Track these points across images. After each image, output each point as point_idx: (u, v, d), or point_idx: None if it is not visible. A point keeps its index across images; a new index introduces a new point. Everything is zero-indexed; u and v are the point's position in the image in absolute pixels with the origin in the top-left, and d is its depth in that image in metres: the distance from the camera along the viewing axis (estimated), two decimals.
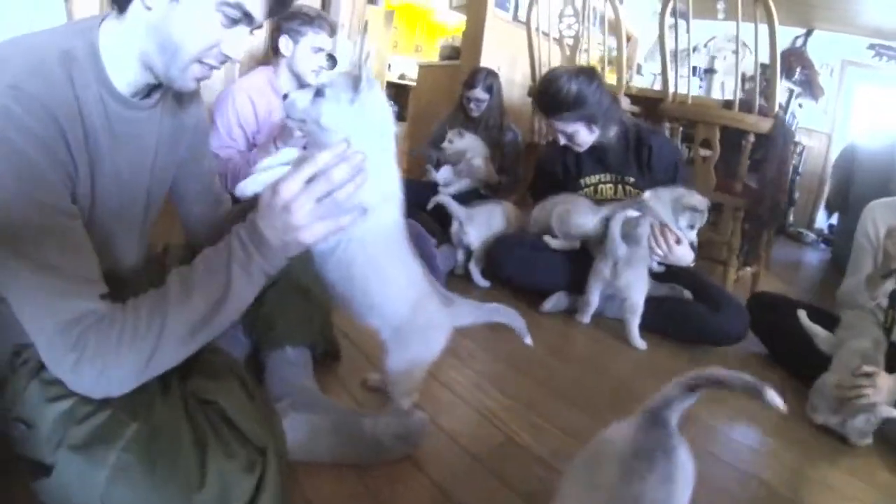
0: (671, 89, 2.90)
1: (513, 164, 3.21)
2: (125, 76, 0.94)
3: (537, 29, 3.44)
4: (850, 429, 1.57)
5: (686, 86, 2.89)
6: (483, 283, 2.38)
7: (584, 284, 2.18)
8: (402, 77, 7.61)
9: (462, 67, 4.52)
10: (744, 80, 6.42)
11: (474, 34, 4.53)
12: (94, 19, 0.94)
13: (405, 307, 1.17)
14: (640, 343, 2.07)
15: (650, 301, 2.13)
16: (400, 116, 7.12)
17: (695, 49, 6.75)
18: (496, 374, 1.67)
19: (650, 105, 3.08)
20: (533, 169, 2.78)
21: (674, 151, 2.43)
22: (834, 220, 5.45)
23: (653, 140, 2.34)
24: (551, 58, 3.46)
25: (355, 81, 0.98)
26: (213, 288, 0.86)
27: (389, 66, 7.25)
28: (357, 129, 0.97)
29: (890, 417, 1.52)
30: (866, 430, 1.56)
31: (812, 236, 6.06)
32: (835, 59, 6.69)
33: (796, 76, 6.47)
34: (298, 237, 0.87)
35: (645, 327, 2.12)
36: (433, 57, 6.97)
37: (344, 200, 0.88)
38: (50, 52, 0.85)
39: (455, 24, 7.29)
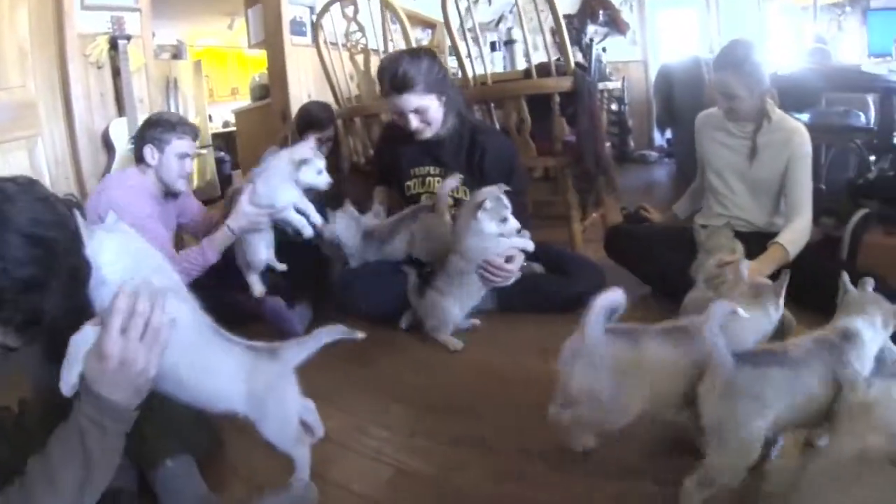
0: (469, 74, 2.86)
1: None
2: None
3: (327, 44, 3.40)
4: None
5: (483, 66, 2.88)
6: None
7: None
8: (226, 125, 7.33)
9: (273, 104, 4.46)
10: (553, 34, 6.71)
11: (278, 68, 4.41)
12: None
13: (240, 385, 1.18)
14: (453, 343, 2.00)
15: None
16: (234, 165, 6.87)
17: (501, 19, 6.93)
18: (370, 410, 1.61)
19: None
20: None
21: (509, 156, 2.35)
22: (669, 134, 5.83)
23: (487, 142, 2.27)
24: (347, 72, 3.41)
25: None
26: (73, 472, 0.89)
27: (210, 117, 6.96)
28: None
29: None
30: None
31: (654, 155, 6.42)
32: None
33: (600, 18, 6.79)
34: (147, 376, 0.93)
35: (506, 309, 2.16)
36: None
37: (158, 323, 0.94)
38: None
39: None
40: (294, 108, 4.15)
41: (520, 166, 2.38)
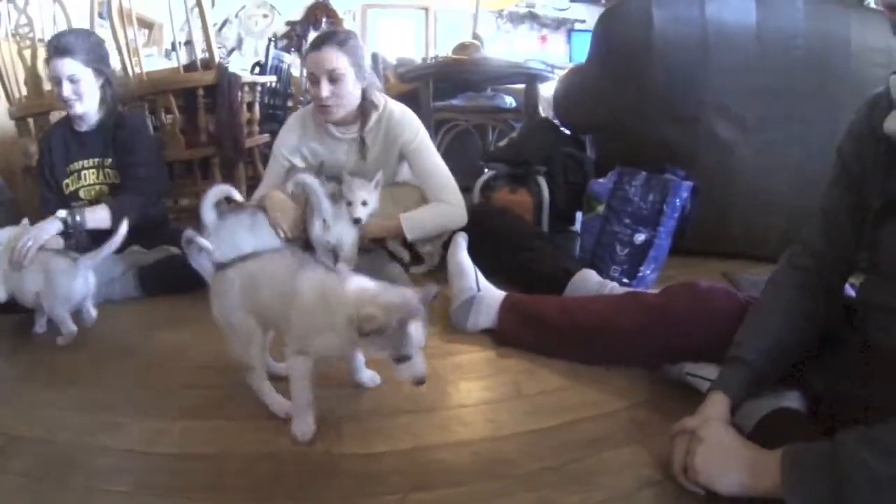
0: (131, 72, 3.03)
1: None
2: None
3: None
4: None
5: (140, 62, 3.05)
6: None
7: None
8: None
9: None
10: (275, 38, 6.99)
11: None
12: None
13: None
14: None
15: (146, 268, 2.25)
16: None
17: (226, 21, 7.08)
18: (15, 420, 1.52)
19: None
20: None
21: (137, 129, 2.41)
22: None
23: (127, 120, 2.37)
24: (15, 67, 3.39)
25: None
26: None
27: None
28: None
29: None
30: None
31: None
32: (356, 5, 7.60)
33: (323, 26, 7.19)
34: None
35: (151, 292, 2.25)
36: None
37: None
38: None
39: None
40: None
41: (145, 139, 2.43)
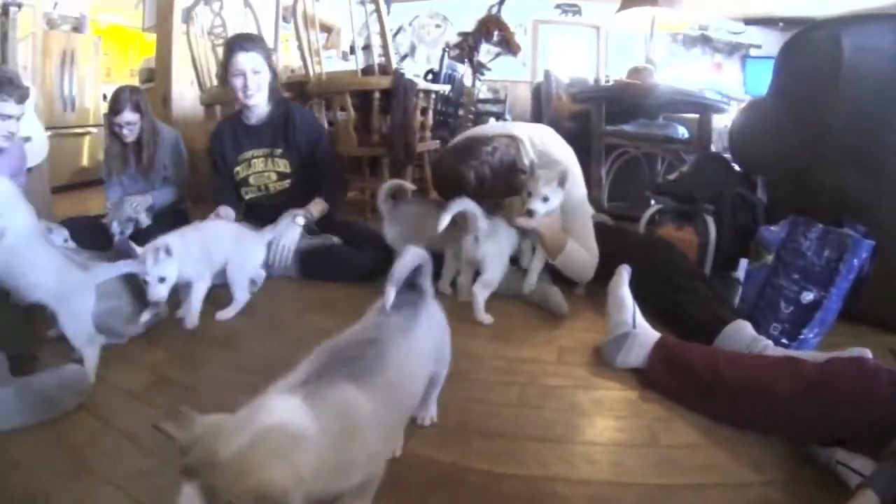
0: (312, 72, 3.19)
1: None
2: None
3: (195, 34, 3.74)
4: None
5: (321, 64, 3.21)
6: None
7: None
8: None
9: (156, 88, 4.55)
10: (448, 47, 7.12)
11: (164, 53, 4.54)
12: None
13: (53, 280, 1.52)
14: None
15: (308, 253, 2.38)
16: None
17: (400, 28, 7.32)
18: (148, 338, 1.79)
19: (299, 88, 3.42)
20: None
21: (315, 127, 2.65)
22: None
23: (296, 114, 2.55)
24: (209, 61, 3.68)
25: None
26: None
27: (105, 96, 6.92)
28: None
29: None
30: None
31: None
32: (527, 20, 7.58)
33: (494, 38, 7.23)
34: None
35: (308, 275, 2.38)
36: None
37: None
38: None
39: None
40: (176, 94, 4.38)
41: (322, 134, 2.69)
